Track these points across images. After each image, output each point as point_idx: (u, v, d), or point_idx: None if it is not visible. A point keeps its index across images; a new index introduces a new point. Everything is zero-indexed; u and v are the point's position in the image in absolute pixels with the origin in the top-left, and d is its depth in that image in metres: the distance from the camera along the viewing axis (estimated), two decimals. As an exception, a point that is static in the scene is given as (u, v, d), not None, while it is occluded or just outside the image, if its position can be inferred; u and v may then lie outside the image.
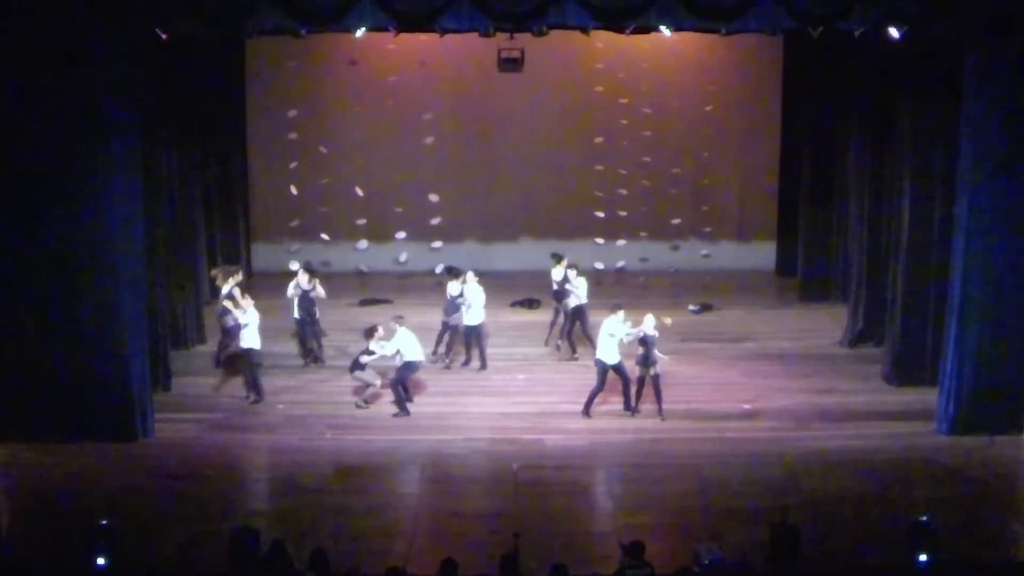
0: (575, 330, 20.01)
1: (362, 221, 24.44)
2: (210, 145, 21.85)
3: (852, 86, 20.82)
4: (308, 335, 19.75)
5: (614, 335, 17.62)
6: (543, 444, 17.05)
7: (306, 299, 19.65)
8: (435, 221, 24.53)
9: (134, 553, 12.75)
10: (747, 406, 18.08)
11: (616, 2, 16.42)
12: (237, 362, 18.70)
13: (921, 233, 18.36)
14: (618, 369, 17.74)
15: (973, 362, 16.99)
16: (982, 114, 16.46)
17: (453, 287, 19.60)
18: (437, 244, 24.67)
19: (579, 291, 19.85)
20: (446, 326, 19.68)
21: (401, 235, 24.47)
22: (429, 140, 24.57)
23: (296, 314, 19.77)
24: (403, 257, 24.59)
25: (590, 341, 19.46)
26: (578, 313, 19.85)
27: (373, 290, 23.46)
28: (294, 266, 20.48)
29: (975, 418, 17.05)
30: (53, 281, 16.50)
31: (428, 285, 23.25)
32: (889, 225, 19.68)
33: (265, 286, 23.63)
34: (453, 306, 19.50)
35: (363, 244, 24.68)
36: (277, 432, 17.46)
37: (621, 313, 17.80)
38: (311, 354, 19.69)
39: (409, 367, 17.95)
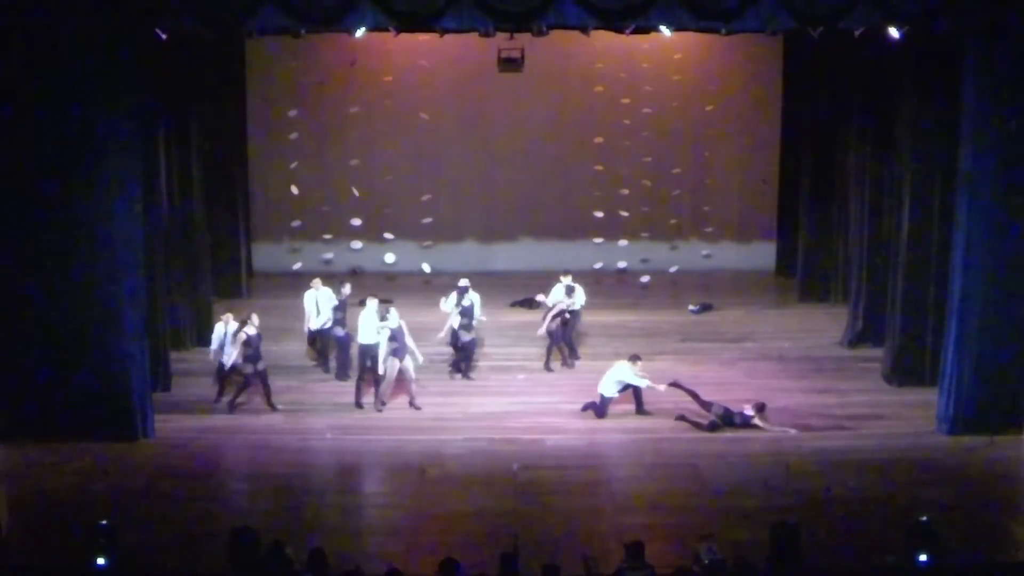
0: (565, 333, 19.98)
1: (358, 221, 24.46)
2: (210, 145, 21.82)
3: (852, 86, 20.83)
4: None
5: (620, 380, 17.74)
6: (543, 444, 17.05)
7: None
8: (426, 220, 24.55)
9: (134, 553, 12.75)
10: (747, 405, 18.06)
11: (616, 2, 16.41)
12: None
13: (921, 233, 18.37)
14: (624, 389, 17.84)
15: (973, 362, 16.99)
16: (982, 113, 16.46)
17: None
18: (427, 243, 24.68)
19: (569, 298, 19.78)
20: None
21: (389, 236, 24.48)
22: (428, 140, 24.58)
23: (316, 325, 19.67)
24: (390, 258, 24.55)
25: (569, 348, 19.72)
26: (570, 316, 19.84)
27: (370, 290, 23.48)
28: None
29: (975, 418, 17.05)
30: (53, 281, 16.50)
31: (419, 284, 23.30)
32: (889, 225, 19.68)
33: (265, 286, 23.74)
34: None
35: (357, 244, 24.70)
36: (277, 432, 17.46)
37: (638, 364, 17.84)
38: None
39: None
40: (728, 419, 17.37)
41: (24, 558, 13.25)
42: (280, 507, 15.21)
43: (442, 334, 19.36)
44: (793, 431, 17.29)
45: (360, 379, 18.28)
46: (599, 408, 17.81)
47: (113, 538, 12.09)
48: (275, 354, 19.55)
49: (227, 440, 17.20)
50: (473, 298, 19.45)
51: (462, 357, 19.46)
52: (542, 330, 19.73)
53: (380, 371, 18.06)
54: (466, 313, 19.26)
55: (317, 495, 15.54)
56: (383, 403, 18.14)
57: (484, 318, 19.74)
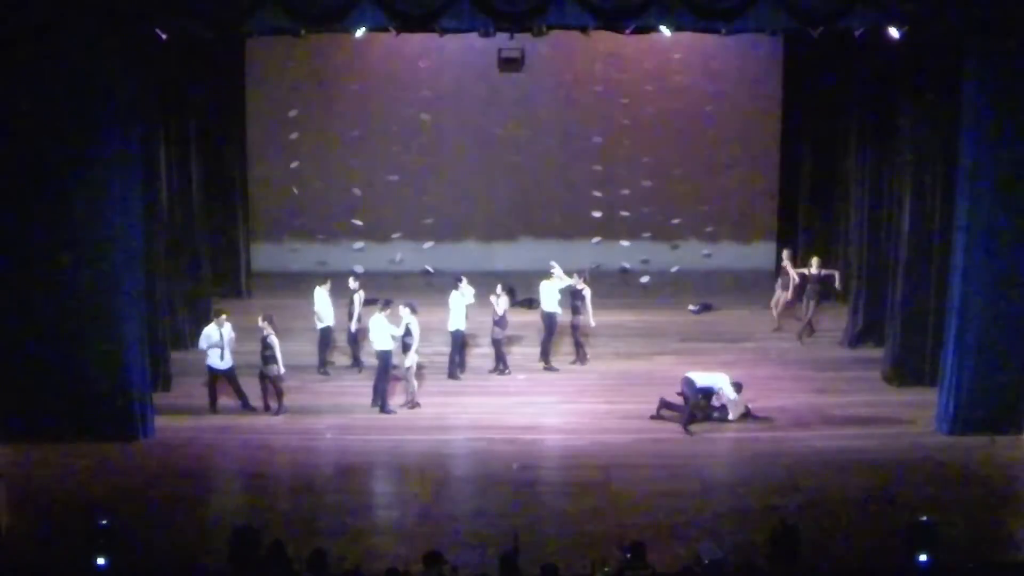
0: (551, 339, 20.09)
1: (359, 222, 24.49)
2: (210, 145, 21.82)
3: (852, 86, 20.83)
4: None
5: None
6: (543, 444, 17.06)
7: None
8: (427, 221, 24.58)
9: (134, 553, 12.75)
10: (747, 406, 18.07)
11: (616, 2, 16.41)
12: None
13: (921, 233, 18.38)
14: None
15: (973, 362, 16.99)
16: (982, 114, 16.46)
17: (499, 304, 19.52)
18: (428, 244, 24.72)
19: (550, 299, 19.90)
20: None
21: (396, 235, 24.54)
22: (428, 140, 24.60)
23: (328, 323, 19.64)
24: (398, 256, 24.61)
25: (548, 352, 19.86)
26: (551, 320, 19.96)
27: (371, 290, 23.52)
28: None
29: (975, 418, 17.06)
30: (53, 281, 16.49)
31: (422, 284, 23.30)
32: (889, 225, 19.69)
33: (265, 286, 23.73)
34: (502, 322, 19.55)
35: (360, 244, 24.72)
36: (277, 432, 17.45)
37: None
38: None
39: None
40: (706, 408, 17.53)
41: (24, 558, 13.25)
42: (280, 507, 15.21)
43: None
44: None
45: (384, 383, 18.17)
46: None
47: (113, 538, 12.09)
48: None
49: (227, 440, 17.20)
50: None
51: (499, 356, 19.61)
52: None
53: (407, 366, 18.05)
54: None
55: (317, 495, 15.54)
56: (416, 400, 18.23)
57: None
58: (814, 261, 21.21)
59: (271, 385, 17.97)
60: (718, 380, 17.72)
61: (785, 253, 21.76)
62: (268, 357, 17.81)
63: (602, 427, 17.59)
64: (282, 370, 17.90)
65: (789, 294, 21.40)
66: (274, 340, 17.87)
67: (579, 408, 18.14)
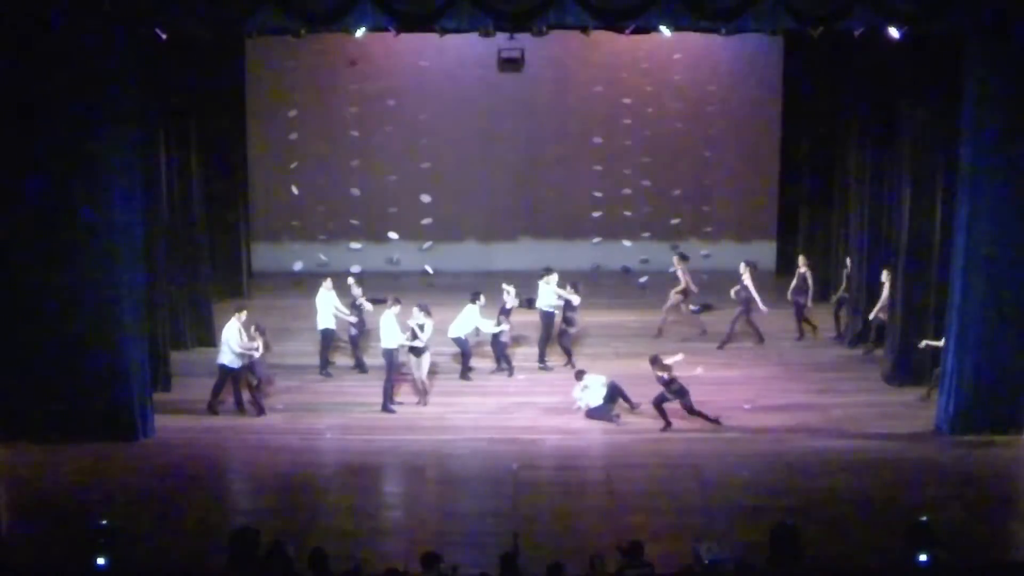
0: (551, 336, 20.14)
1: (356, 221, 24.48)
2: (210, 145, 21.83)
3: (852, 86, 20.83)
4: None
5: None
6: (543, 444, 17.06)
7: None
8: (427, 221, 24.59)
9: (134, 553, 12.75)
10: (747, 406, 18.08)
11: (616, 2, 16.42)
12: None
13: (921, 234, 18.37)
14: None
15: (973, 362, 16.99)
16: (982, 114, 16.45)
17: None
18: (427, 244, 24.71)
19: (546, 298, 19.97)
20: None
21: (394, 235, 24.54)
22: (428, 141, 24.61)
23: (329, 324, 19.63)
24: (395, 257, 24.60)
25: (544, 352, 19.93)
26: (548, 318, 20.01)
27: (371, 290, 23.54)
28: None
29: (975, 418, 17.06)
30: (53, 281, 16.48)
31: (421, 285, 23.31)
32: (889, 225, 19.68)
33: (265, 286, 23.73)
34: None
35: (357, 245, 24.72)
36: (277, 432, 17.46)
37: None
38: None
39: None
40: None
41: (24, 558, 13.25)
42: (280, 507, 15.21)
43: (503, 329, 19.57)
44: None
45: (389, 382, 18.19)
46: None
47: (113, 538, 12.08)
48: (275, 354, 19.57)
49: (227, 440, 17.20)
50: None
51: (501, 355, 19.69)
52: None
53: (422, 368, 18.13)
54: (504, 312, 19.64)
55: (317, 495, 15.54)
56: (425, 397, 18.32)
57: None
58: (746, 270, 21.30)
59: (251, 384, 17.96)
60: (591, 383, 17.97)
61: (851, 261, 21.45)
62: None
63: (602, 427, 17.59)
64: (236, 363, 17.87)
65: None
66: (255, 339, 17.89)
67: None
